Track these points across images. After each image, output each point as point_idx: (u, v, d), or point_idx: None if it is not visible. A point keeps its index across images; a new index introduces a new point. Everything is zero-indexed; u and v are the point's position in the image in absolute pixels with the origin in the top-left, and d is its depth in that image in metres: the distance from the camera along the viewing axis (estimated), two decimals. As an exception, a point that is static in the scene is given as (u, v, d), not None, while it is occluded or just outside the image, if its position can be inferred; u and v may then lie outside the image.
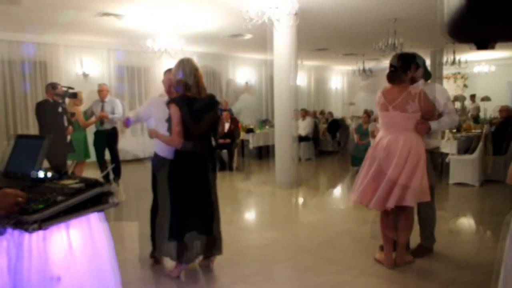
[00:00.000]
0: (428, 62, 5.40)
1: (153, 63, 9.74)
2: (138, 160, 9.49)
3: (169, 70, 3.44)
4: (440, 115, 3.33)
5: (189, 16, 7.13)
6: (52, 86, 5.63)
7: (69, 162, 6.37)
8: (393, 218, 3.37)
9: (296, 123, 7.11)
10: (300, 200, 6.42)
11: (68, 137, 5.67)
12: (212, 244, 3.23)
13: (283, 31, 6.30)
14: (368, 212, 4.26)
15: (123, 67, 9.88)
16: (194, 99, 3.03)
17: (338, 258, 3.60)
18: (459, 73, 15.30)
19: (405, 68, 3.22)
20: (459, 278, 3.17)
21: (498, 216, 4.76)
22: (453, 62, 10.70)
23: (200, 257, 3.30)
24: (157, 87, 10.14)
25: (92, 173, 5.29)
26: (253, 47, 10.21)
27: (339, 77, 16.89)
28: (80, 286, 1.73)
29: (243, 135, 9.35)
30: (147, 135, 3.36)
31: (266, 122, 11.46)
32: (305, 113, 10.17)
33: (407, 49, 7.14)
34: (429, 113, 3.20)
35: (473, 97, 13.41)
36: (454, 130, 7.07)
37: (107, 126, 6.34)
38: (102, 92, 6.43)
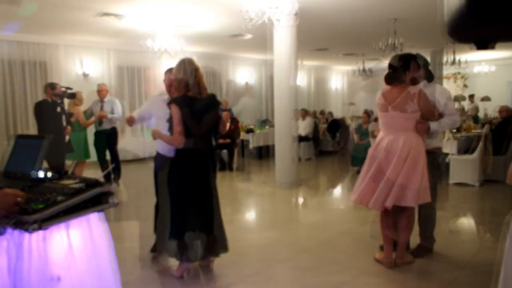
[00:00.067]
0: (428, 62, 5.38)
1: (153, 63, 9.74)
2: (138, 160, 9.50)
3: (169, 70, 3.45)
4: (440, 115, 3.34)
5: (189, 16, 7.13)
6: (51, 86, 5.63)
7: (69, 162, 6.38)
8: (394, 218, 3.37)
9: (296, 123, 7.11)
10: (300, 200, 6.42)
11: (67, 137, 5.68)
12: (212, 244, 3.23)
13: (283, 31, 6.30)
14: (368, 212, 4.26)
15: (123, 67, 9.88)
16: (195, 99, 3.03)
17: (338, 258, 3.60)
18: (459, 73, 15.30)
19: (405, 69, 3.23)
20: (459, 278, 3.17)
21: (498, 216, 4.76)
22: (453, 62, 10.70)
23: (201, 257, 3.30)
24: (157, 87, 10.17)
25: (92, 173, 5.29)
26: (253, 47, 10.21)
27: (339, 77, 16.89)
28: (80, 286, 1.73)
29: (243, 135, 9.35)
30: (150, 135, 3.40)
31: (266, 122, 11.46)
32: (305, 113, 10.17)
33: (407, 49, 7.14)
34: (428, 113, 3.20)
35: (471, 97, 13.41)
36: (454, 130, 7.07)
37: (106, 126, 6.34)
38: (101, 92, 6.43)
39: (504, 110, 7.41)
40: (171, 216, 3.12)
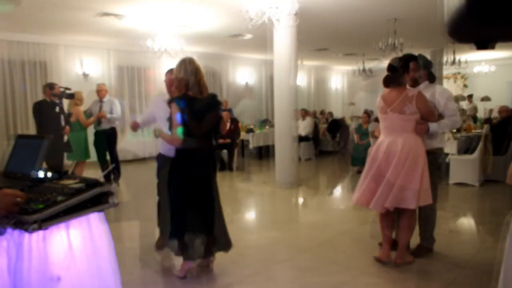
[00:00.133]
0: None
1: (153, 63, 9.75)
2: (138, 160, 9.50)
3: (170, 71, 3.46)
4: (440, 115, 3.34)
5: (189, 16, 7.13)
6: (50, 86, 5.64)
7: (69, 162, 6.38)
8: (393, 218, 3.38)
9: (296, 123, 7.11)
10: (300, 200, 6.42)
11: (65, 137, 5.69)
12: (213, 244, 3.23)
13: (283, 31, 6.30)
14: (368, 212, 4.26)
15: (123, 67, 9.88)
16: (195, 99, 3.02)
17: (338, 258, 3.60)
18: (459, 73, 15.30)
19: (404, 70, 3.25)
20: (459, 278, 3.17)
21: (498, 216, 4.76)
22: (453, 62, 10.71)
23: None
24: (157, 87, 10.17)
25: (92, 173, 5.29)
26: (253, 47, 10.21)
27: (339, 77, 16.89)
28: (80, 286, 1.73)
29: (243, 135, 9.35)
30: (150, 135, 3.43)
31: (266, 122, 11.46)
32: (305, 113, 10.17)
33: (407, 49, 7.15)
34: (428, 114, 3.21)
35: (470, 97, 13.42)
36: (454, 130, 7.07)
37: (105, 126, 6.35)
38: (100, 92, 6.44)
39: (504, 110, 7.41)
40: (171, 216, 3.12)
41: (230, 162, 8.48)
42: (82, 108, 6.36)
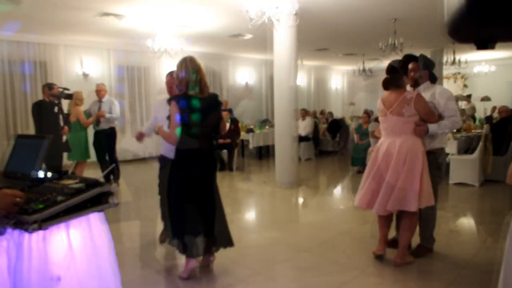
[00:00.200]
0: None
1: (153, 63, 9.74)
2: (138, 160, 9.50)
3: (171, 73, 3.49)
4: (440, 115, 3.34)
5: (189, 16, 7.13)
6: (48, 87, 5.65)
7: (69, 162, 6.39)
8: (391, 217, 3.39)
9: (296, 123, 7.10)
10: (300, 200, 6.42)
11: (64, 137, 5.69)
12: (213, 243, 3.23)
13: (283, 31, 6.30)
14: (368, 212, 4.25)
15: (123, 67, 9.88)
16: (195, 98, 3.02)
17: (338, 258, 3.60)
18: (459, 73, 15.30)
19: (403, 71, 3.27)
20: (459, 278, 3.17)
21: (498, 216, 4.76)
22: (453, 62, 10.72)
23: (201, 257, 3.31)
24: (157, 87, 10.16)
25: (92, 173, 5.29)
26: (253, 47, 10.21)
27: (339, 77, 16.89)
28: (80, 286, 1.73)
29: (243, 135, 9.34)
30: (154, 132, 3.49)
31: (266, 122, 11.46)
32: (305, 113, 10.17)
33: (407, 49, 7.16)
34: (427, 115, 3.22)
35: (468, 97, 13.43)
36: (454, 130, 7.07)
37: (103, 126, 6.35)
38: (100, 92, 6.44)
39: (504, 110, 7.41)
40: (172, 216, 3.12)
41: (230, 162, 8.48)
42: (82, 108, 6.37)
